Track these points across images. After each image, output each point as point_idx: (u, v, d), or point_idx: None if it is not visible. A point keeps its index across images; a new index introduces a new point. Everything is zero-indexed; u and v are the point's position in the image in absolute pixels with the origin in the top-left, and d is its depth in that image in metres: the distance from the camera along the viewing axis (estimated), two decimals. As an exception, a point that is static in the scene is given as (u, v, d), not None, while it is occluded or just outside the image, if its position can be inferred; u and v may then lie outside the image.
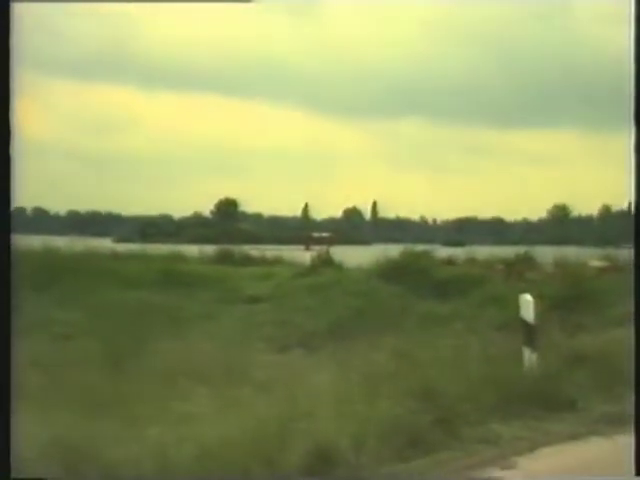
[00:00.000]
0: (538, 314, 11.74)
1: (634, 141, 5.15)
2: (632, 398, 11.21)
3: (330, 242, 48.43)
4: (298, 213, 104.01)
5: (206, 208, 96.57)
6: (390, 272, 22.44)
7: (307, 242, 55.81)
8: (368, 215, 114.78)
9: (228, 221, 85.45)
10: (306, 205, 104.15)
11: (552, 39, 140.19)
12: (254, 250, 31.85)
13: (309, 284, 21.09)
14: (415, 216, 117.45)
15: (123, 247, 29.06)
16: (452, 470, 8.30)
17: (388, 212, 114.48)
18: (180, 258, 26.76)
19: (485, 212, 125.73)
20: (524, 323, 11.71)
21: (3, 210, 5.13)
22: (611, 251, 41.00)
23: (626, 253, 40.76)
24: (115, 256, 25.66)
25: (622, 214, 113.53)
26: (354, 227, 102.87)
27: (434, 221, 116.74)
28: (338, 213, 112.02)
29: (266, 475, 7.41)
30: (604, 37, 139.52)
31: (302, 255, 31.14)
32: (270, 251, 32.00)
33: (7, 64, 4.99)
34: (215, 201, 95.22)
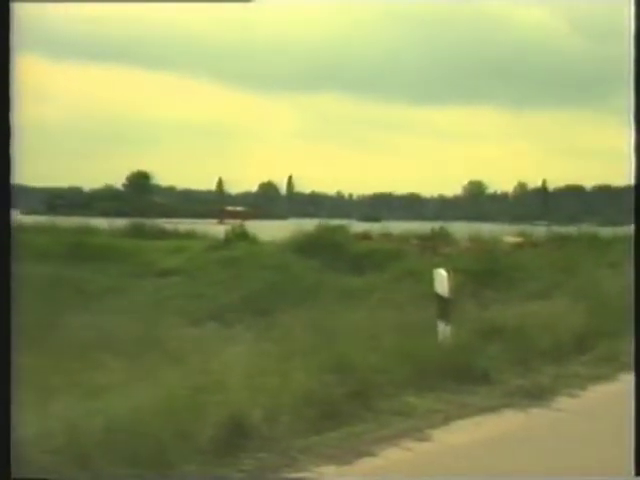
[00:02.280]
0: (452, 288, 11.79)
1: (634, 141, 5.10)
2: (547, 370, 11.40)
3: (245, 216, 48.34)
4: (213, 187, 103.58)
5: (118, 181, 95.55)
6: (305, 246, 22.39)
7: (221, 216, 55.59)
8: (284, 190, 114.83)
9: (140, 194, 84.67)
10: (220, 179, 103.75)
11: (472, 19, 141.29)
12: (167, 223, 31.57)
13: (223, 258, 20.89)
14: (331, 191, 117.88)
15: (30, 219, 28.45)
16: (366, 442, 8.23)
17: (304, 187, 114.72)
18: (90, 231, 26.34)
19: (401, 188, 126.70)
20: (438, 297, 11.76)
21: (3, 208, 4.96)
22: (526, 227, 41.64)
23: (540, 230, 41.50)
24: (22, 229, 25.10)
25: (537, 192, 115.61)
26: (270, 201, 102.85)
27: (350, 196, 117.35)
28: (254, 187, 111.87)
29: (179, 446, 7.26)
30: (523, 18, 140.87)
31: (216, 229, 30.93)
32: (183, 225, 31.75)
33: (7, 64, 4.95)
34: (127, 174, 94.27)
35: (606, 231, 39.27)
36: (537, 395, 10.26)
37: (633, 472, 5.42)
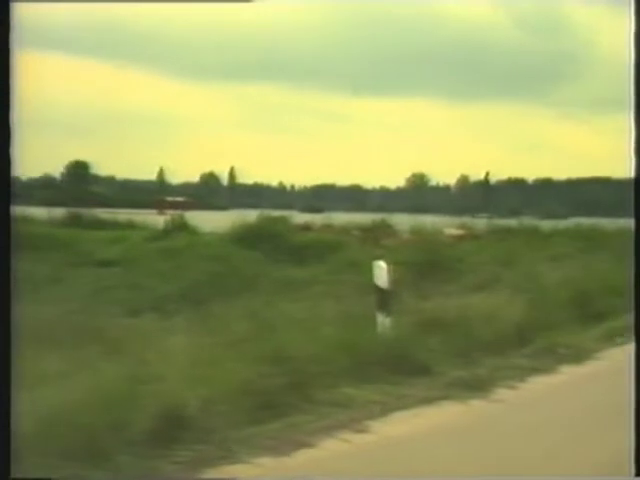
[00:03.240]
0: (392, 280, 11.77)
1: (634, 141, 5.05)
2: (486, 362, 11.42)
3: (185, 207, 48.08)
4: (153, 177, 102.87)
5: (56, 170, 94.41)
6: (246, 237, 22.30)
7: (161, 206, 55.26)
8: (226, 180, 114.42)
9: (79, 184, 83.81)
10: (161, 169, 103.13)
11: (413, 11, 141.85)
12: (105, 213, 31.26)
13: (162, 248, 20.71)
14: (274, 182, 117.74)
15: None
16: (304, 433, 8.17)
17: (246, 178, 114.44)
18: (27, 220, 25.98)
19: (344, 179, 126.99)
20: (378, 289, 11.75)
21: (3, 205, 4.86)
22: (468, 220, 41.91)
23: (482, 222, 41.80)
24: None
25: (479, 184, 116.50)
26: (211, 192, 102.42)
27: (292, 187, 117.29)
28: (195, 178, 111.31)
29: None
30: (464, 11, 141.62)
31: (155, 219, 30.69)
32: (122, 215, 31.44)
33: (7, 63, 4.95)
34: (65, 163, 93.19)
35: (547, 224, 39.66)
36: (476, 387, 10.26)
37: (633, 472, 5.41)
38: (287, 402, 8.84)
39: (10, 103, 5.07)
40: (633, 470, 5.44)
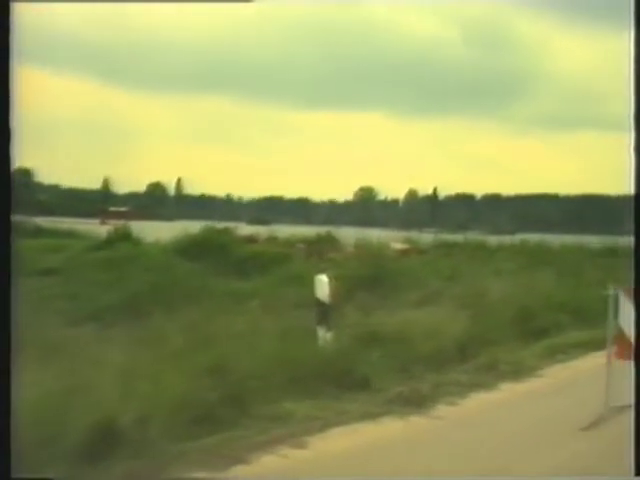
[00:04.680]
0: (333, 294, 11.71)
1: (634, 141, 5.03)
2: (428, 378, 11.37)
3: (129, 217, 47.71)
4: (98, 186, 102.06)
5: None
6: (190, 248, 22.12)
7: (104, 216, 54.82)
8: (172, 191, 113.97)
9: (21, 191, 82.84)
10: (106, 179, 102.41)
11: (365, 26, 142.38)
12: (48, 222, 30.87)
13: (104, 258, 20.44)
14: (221, 194, 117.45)
15: None
16: (241, 448, 8.05)
17: (193, 189, 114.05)
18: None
19: (292, 192, 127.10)
20: (319, 302, 11.71)
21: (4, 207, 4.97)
22: (414, 234, 42.04)
23: (428, 237, 41.95)
24: None
25: (427, 199, 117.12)
26: (157, 202, 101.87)
27: (240, 199, 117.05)
28: (141, 188, 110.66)
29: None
30: (416, 26, 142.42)
31: (98, 229, 30.37)
32: (65, 223, 31.07)
33: (7, 64, 4.91)
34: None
35: (493, 240, 39.90)
36: (417, 403, 10.20)
37: (633, 472, 5.37)
38: (225, 416, 8.73)
39: (10, 106, 4.96)
40: (633, 470, 5.41)
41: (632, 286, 5.94)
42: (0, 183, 4.95)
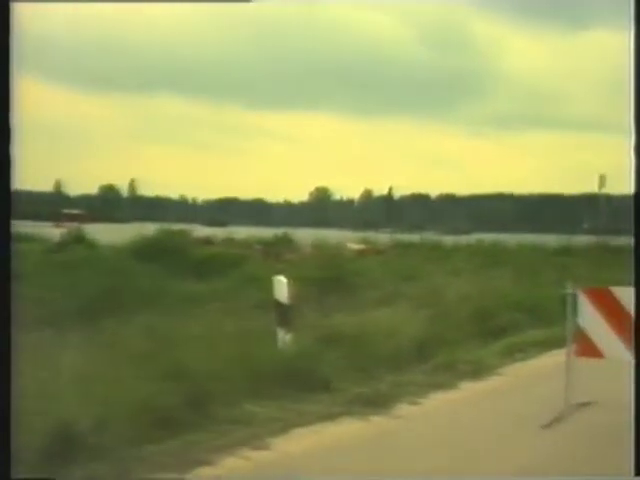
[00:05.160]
0: (292, 295, 11.69)
1: (634, 141, 5.02)
2: (387, 378, 11.38)
3: (83, 219, 47.37)
4: (50, 188, 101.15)
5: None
6: (145, 251, 21.94)
7: (57, 219, 54.32)
8: (126, 193, 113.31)
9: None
10: (58, 181, 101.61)
11: (318, 25, 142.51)
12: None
13: (58, 261, 20.21)
14: (175, 195, 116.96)
15: None
16: (203, 451, 8.00)
17: (147, 190, 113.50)
18: None
19: (247, 193, 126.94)
20: (278, 304, 11.68)
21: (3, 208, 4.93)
22: (371, 235, 42.13)
23: (385, 237, 42.09)
24: None
25: (383, 199, 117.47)
26: (111, 205, 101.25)
27: (195, 201, 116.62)
28: (94, 190, 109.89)
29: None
30: (371, 26, 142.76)
31: (51, 232, 30.05)
32: (16, 227, 30.66)
33: (7, 63, 4.95)
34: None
35: (449, 240, 40.08)
36: (377, 403, 10.20)
37: (633, 472, 5.37)
38: (186, 420, 8.67)
39: (10, 106, 4.98)
40: (633, 470, 5.42)
41: (632, 286, 5.93)
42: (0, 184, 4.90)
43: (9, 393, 5.04)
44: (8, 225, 4.86)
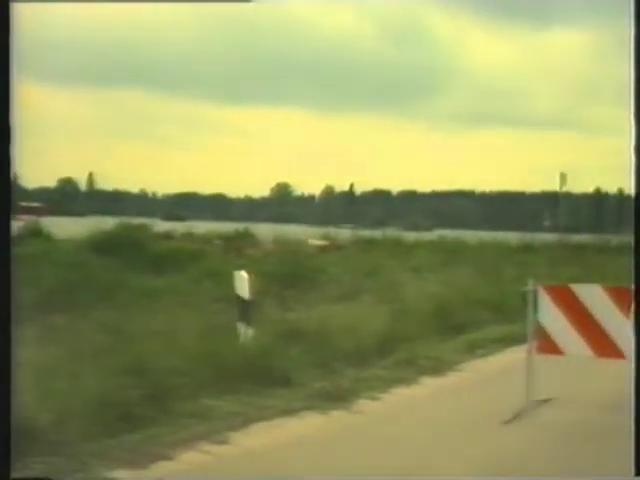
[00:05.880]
0: (253, 290, 11.64)
1: (634, 141, 4.98)
2: (348, 373, 11.35)
3: (40, 212, 46.91)
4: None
5: None
6: (104, 245, 21.75)
7: (14, 212, 53.74)
8: (84, 186, 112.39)
9: None
10: (15, 174, 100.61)
11: (280, 21, 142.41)
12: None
13: (15, 255, 19.97)
14: (134, 189, 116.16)
15: None
16: (162, 445, 7.93)
17: (106, 184, 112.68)
18: None
19: (208, 188, 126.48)
20: (239, 299, 11.64)
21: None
22: (332, 230, 42.12)
23: (346, 233, 42.12)
24: None
25: (344, 195, 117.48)
26: (68, 198, 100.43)
27: (154, 195, 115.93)
28: (51, 183, 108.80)
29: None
30: (331, 21, 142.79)
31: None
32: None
33: (7, 64, 5.00)
34: None
35: (410, 236, 40.16)
36: (338, 398, 10.17)
37: (633, 472, 5.34)
38: (145, 414, 8.60)
39: (10, 106, 4.89)
40: (633, 470, 5.41)
41: (632, 284, 5.93)
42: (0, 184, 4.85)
43: (9, 393, 4.99)
44: (8, 225, 4.80)
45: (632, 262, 5.20)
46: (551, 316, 9.92)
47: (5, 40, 4.78)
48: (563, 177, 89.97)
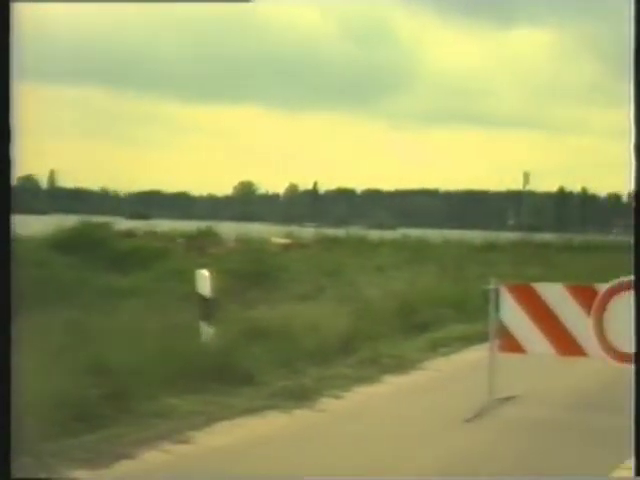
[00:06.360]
0: (215, 289, 11.59)
1: (634, 141, 4.96)
2: (311, 372, 11.33)
3: None
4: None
5: None
6: (65, 243, 21.53)
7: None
8: (45, 184, 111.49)
9: None
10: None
11: (243, 18, 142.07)
12: None
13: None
14: (96, 187, 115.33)
15: None
16: (123, 445, 7.86)
17: (67, 182, 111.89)
18: None
19: (171, 186, 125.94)
20: (201, 297, 11.59)
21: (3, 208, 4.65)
22: (295, 229, 42.08)
23: (309, 231, 42.06)
24: None
25: (308, 193, 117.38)
26: (29, 196, 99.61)
27: (117, 193, 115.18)
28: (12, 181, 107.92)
29: None
30: (295, 20, 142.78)
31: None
32: None
33: (7, 64, 4.87)
34: None
35: (374, 234, 40.20)
36: (301, 396, 10.15)
37: (633, 472, 5.33)
38: (106, 414, 8.53)
39: (10, 106, 4.95)
40: (633, 470, 5.40)
41: (632, 280, 5.93)
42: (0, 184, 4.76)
43: (9, 393, 4.91)
44: (8, 225, 4.72)
45: (632, 261, 5.21)
46: (513, 315, 9.94)
47: (5, 40, 4.74)
48: (526, 176, 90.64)
